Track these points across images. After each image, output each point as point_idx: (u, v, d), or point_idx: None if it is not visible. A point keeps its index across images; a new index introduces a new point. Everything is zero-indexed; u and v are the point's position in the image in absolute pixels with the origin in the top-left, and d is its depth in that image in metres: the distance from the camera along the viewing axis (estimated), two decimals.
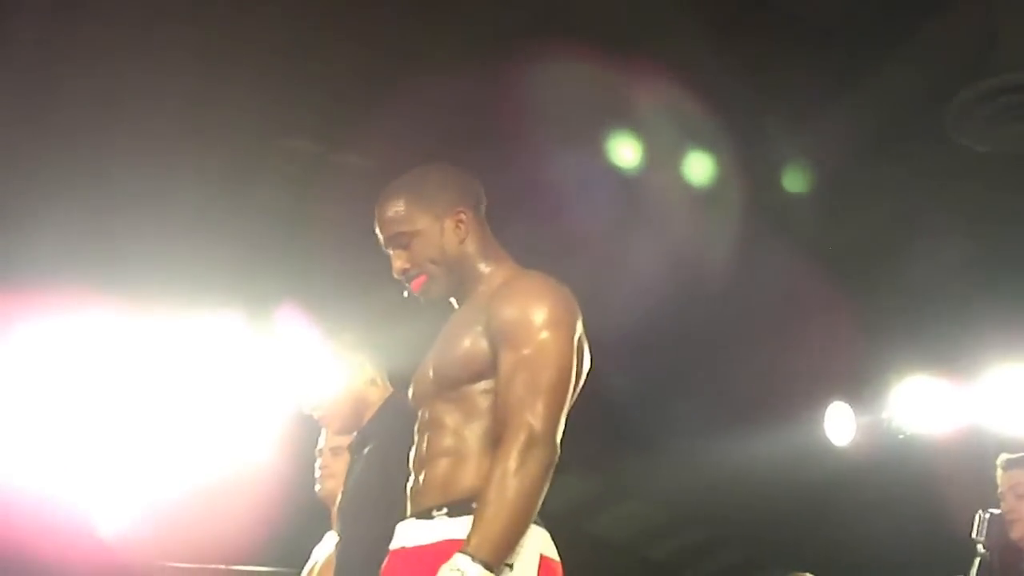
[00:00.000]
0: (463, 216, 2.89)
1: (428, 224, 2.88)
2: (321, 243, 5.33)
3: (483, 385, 2.73)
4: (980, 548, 4.29)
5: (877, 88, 4.97)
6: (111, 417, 5.68)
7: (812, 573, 5.58)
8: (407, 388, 3.02)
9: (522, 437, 2.56)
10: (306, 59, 4.82)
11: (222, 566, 6.06)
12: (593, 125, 5.28)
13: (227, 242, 5.37)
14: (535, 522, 2.63)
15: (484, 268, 2.89)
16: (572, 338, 2.72)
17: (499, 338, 2.70)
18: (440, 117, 4.97)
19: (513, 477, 2.53)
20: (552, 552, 2.70)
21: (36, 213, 4.98)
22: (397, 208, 2.89)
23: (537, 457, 2.55)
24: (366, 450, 3.89)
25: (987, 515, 4.32)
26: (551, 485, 2.66)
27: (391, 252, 2.91)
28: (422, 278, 2.89)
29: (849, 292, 6.23)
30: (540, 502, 2.59)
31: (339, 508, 3.96)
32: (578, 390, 2.80)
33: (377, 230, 2.93)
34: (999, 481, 4.42)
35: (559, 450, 2.61)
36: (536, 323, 2.68)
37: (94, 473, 5.63)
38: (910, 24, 4.69)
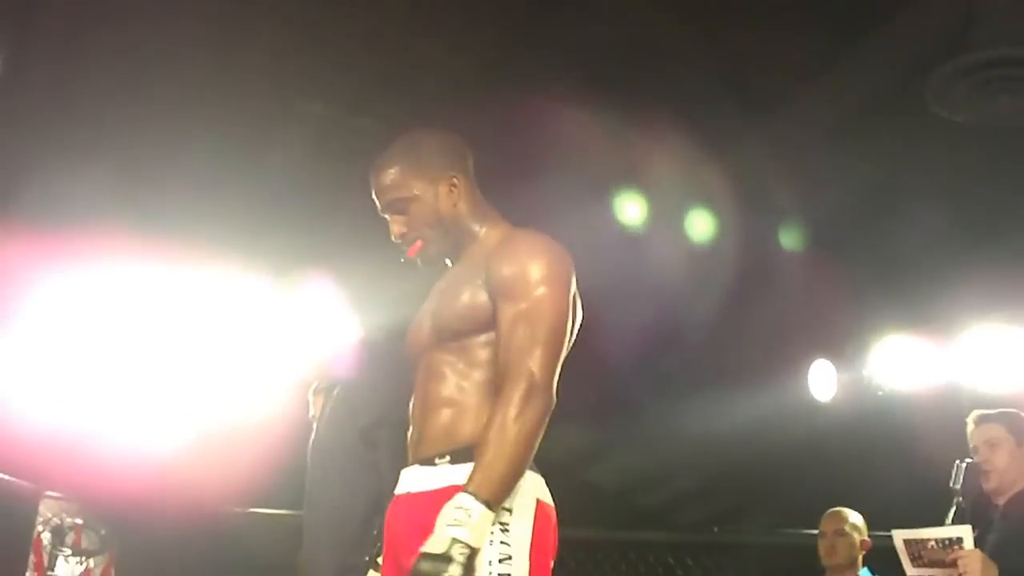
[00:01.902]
0: (456, 180, 3.01)
1: (423, 189, 3.00)
2: (336, 203, 5.46)
3: (483, 338, 2.85)
4: (957, 497, 4.37)
5: (860, 63, 5.06)
6: (135, 361, 5.84)
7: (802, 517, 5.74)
8: (394, 338, 3.19)
9: (522, 385, 2.69)
10: (323, 25, 4.92)
11: (242, 508, 6.23)
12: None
13: (244, 199, 5.50)
14: (531, 468, 2.78)
15: (477, 228, 3.02)
16: (567, 293, 2.85)
17: (498, 293, 2.82)
18: (453, 82, 5.10)
19: (514, 423, 2.65)
20: (547, 497, 2.84)
21: (71, 168, 5.09)
22: (393, 175, 3.02)
23: (536, 404, 2.68)
24: (335, 391, 4.02)
25: (964, 464, 4.41)
26: (548, 435, 2.80)
27: (388, 217, 3.04)
28: (419, 243, 3.02)
29: (832, 255, 6.34)
30: (537, 446, 2.72)
31: (311, 446, 4.02)
32: (571, 342, 2.91)
33: (374, 196, 3.06)
34: (970, 436, 4.51)
35: (555, 397, 2.75)
36: (533, 278, 2.80)
37: (124, 413, 5.76)
38: (891, 1, 4.78)
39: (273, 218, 5.64)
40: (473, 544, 2.58)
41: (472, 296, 2.87)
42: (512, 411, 2.67)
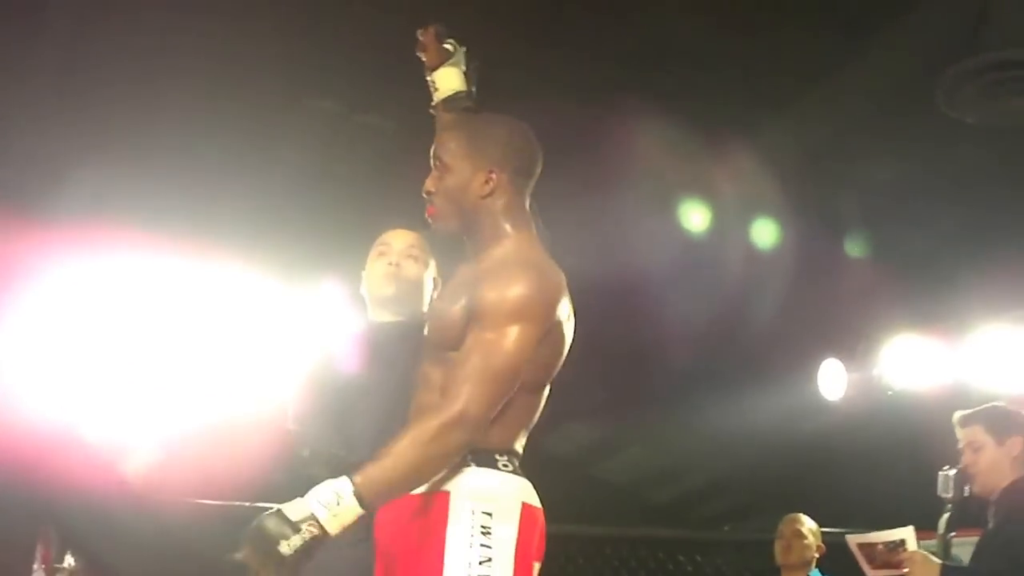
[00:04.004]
0: (495, 175, 2.92)
1: (463, 166, 2.93)
2: (343, 199, 5.48)
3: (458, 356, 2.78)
4: (948, 504, 4.44)
5: (873, 63, 5.08)
6: (136, 357, 5.86)
7: (806, 515, 5.81)
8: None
9: (451, 414, 2.64)
10: (332, 22, 4.95)
11: (246, 504, 6.26)
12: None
13: (252, 195, 5.54)
14: (516, 472, 2.79)
15: (501, 227, 2.94)
16: (537, 333, 2.77)
17: (474, 315, 2.77)
18: None
19: (424, 445, 2.62)
20: (534, 500, 2.81)
21: (79, 163, 5.13)
22: (453, 137, 2.98)
23: (455, 438, 2.64)
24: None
25: (949, 472, 4.44)
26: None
27: (433, 168, 2.99)
28: (433, 209, 2.98)
29: (843, 256, 6.40)
30: (436, 473, 2.68)
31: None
32: (556, 370, 2.88)
33: (434, 144, 3.01)
34: (959, 437, 4.50)
35: (480, 434, 2.68)
36: (506, 311, 2.74)
37: (117, 408, 5.79)
38: (903, 1, 4.82)
39: (281, 214, 5.68)
40: (328, 529, 2.53)
41: (457, 315, 2.83)
42: (430, 432, 2.64)
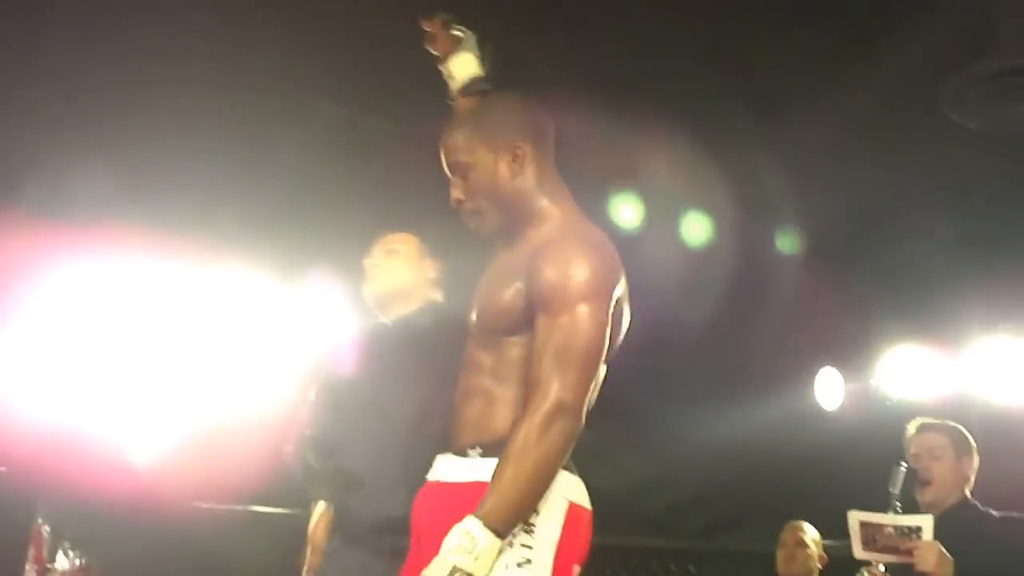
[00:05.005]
0: (519, 151, 2.86)
1: (484, 157, 2.87)
2: (344, 202, 5.45)
3: (516, 339, 2.76)
4: (895, 500, 4.38)
5: (876, 68, 5.04)
6: (136, 357, 5.81)
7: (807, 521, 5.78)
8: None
9: (548, 406, 2.58)
10: (335, 23, 4.88)
11: (239, 507, 6.22)
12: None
13: (254, 199, 5.50)
14: (568, 469, 2.70)
15: (539, 205, 2.89)
16: (608, 308, 2.72)
17: (537, 300, 2.71)
18: None
19: (535, 446, 2.55)
20: (583, 500, 2.74)
21: (77, 163, 5.08)
22: (460, 136, 2.91)
23: (561, 428, 2.57)
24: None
25: (903, 468, 4.42)
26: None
27: (452, 179, 2.93)
28: (469, 214, 2.91)
29: (841, 263, 6.36)
30: (557, 472, 2.61)
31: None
32: (616, 347, 2.84)
33: (442, 155, 2.95)
34: (910, 441, 4.53)
35: (584, 421, 2.64)
36: (574, 291, 2.67)
37: (124, 410, 5.75)
38: (909, 6, 4.75)
39: (283, 216, 5.62)
40: (476, 574, 2.50)
41: (513, 297, 2.77)
42: (535, 432, 2.56)
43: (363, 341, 3.94)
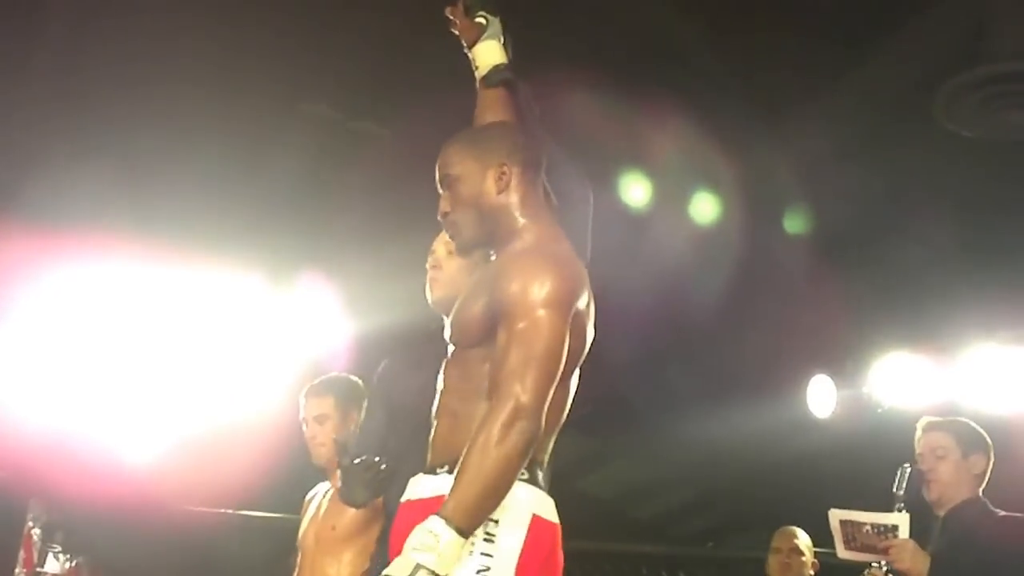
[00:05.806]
0: (506, 169, 2.90)
1: (472, 169, 2.91)
2: (336, 206, 5.45)
3: (481, 352, 2.78)
4: (899, 502, 4.34)
5: (870, 75, 5.04)
6: (128, 361, 5.82)
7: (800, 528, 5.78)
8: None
9: (508, 408, 2.59)
10: (327, 27, 4.89)
11: (230, 510, 6.22)
12: None
13: (246, 202, 5.49)
14: (538, 486, 2.71)
15: (519, 224, 2.90)
16: (567, 316, 2.74)
17: (499, 310, 2.73)
18: (457, 86, 5.11)
19: (495, 447, 2.56)
20: (549, 514, 2.75)
21: (72, 166, 5.09)
22: (451, 151, 2.95)
23: (520, 429, 2.59)
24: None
25: (908, 469, 4.40)
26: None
27: (441, 193, 2.96)
28: (450, 226, 2.95)
29: (835, 271, 6.31)
30: (518, 473, 2.62)
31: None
32: (580, 361, 2.84)
33: (436, 172, 2.97)
34: (917, 442, 4.48)
35: (543, 423, 2.64)
36: (534, 299, 2.69)
37: (116, 414, 5.75)
38: (902, 13, 4.76)
39: (275, 220, 5.63)
40: (439, 571, 2.51)
41: (480, 311, 2.80)
42: (495, 435, 2.58)
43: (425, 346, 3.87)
